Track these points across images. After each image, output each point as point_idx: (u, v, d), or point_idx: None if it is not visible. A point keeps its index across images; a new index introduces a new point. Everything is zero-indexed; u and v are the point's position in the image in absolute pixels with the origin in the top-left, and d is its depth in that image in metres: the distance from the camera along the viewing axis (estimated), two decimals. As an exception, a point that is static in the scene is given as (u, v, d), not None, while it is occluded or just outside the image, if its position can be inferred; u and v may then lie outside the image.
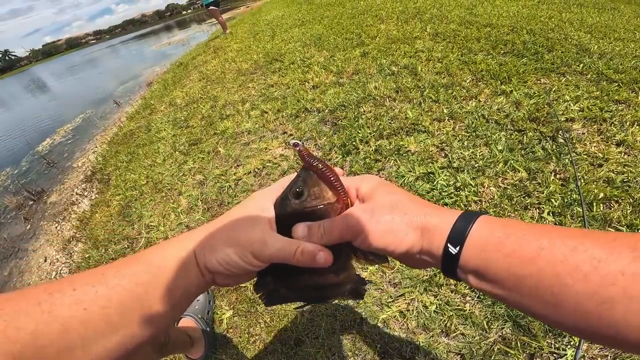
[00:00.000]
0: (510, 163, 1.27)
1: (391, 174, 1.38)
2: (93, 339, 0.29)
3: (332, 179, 0.33)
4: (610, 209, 1.06)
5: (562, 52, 2.12)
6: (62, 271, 2.09)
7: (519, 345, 0.84)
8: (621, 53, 2.08)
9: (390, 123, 1.65)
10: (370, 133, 1.61)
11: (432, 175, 1.31)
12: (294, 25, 4.85)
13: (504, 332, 0.87)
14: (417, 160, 1.40)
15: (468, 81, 1.88)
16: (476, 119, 1.53)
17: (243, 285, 1.21)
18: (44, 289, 0.29)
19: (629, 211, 1.03)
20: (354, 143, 1.59)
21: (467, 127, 1.50)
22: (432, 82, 1.92)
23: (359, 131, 1.63)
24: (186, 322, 1.12)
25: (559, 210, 1.08)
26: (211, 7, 7.02)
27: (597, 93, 1.61)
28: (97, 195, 2.65)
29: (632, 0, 7.18)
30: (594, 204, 1.07)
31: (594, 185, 1.12)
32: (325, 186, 0.33)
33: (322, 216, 0.33)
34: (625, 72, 1.78)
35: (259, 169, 1.74)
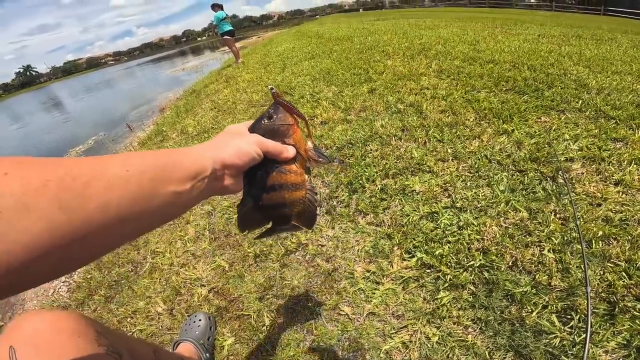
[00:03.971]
0: (512, 203, 1.32)
1: (396, 213, 1.44)
2: (125, 204, 0.32)
3: (293, 110, 0.51)
4: (609, 245, 1.10)
5: (561, 89, 2.21)
6: (59, 289, 2.09)
7: (520, 378, 0.87)
8: (618, 87, 2.16)
9: (396, 162, 1.71)
10: (376, 172, 1.67)
11: (436, 215, 1.36)
12: (304, 58, 5.02)
13: (506, 365, 0.90)
14: (422, 199, 1.46)
15: (471, 120, 1.96)
16: (479, 160, 1.59)
17: (246, 313, 1.25)
18: (96, 157, 0.34)
19: (627, 247, 1.07)
20: (360, 182, 1.65)
21: (470, 168, 1.56)
22: (437, 121, 1.99)
23: (366, 170, 1.69)
24: (185, 347, 1.13)
25: (559, 248, 1.12)
26: (226, 37, 7.38)
27: (596, 131, 1.67)
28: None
29: (629, 29, 7.36)
30: (593, 241, 1.12)
31: (593, 224, 1.17)
32: (287, 114, 0.51)
33: (285, 132, 0.51)
34: (623, 107, 1.85)
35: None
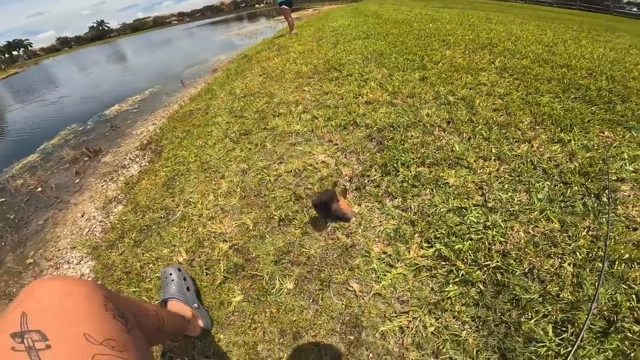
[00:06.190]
0: (547, 213, 1.25)
1: (424, 202, 1.40)
2: None
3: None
4: (631, 269, 1.04)
5: (636, 104, 1.97)
6: (94, 229, 2.23)
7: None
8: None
9: (434, 152, 1.64)
10: (413, 158, 1.62)
11: (464, 211, 1.31)
12: (358, 37, 4.88)
13: (488, 363, 0.90)
14: (453, 193, 1.40)
15: (526, 123, 1.81)
16: (523, 164, 1.49)
17: (260, 274, 1.30)
18: None
19: (647, 273, 1.02)
20: (395, 165, 1.61)
21: (512, 171, 1.46)
22: (488, 118, 1.87)
23: (403, 155, 1.65)
24: (172, 304, 1.14)
25: (580, 263, 1.07)
26: (283, 6, 7.34)
27: (658, 155, 1.50)
28: (147, 164, 2.87)
29: None
30: (616, 262, 1.06)
31: (622, 246, 1.10)
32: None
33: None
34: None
35: (299, 170, 1.82)
